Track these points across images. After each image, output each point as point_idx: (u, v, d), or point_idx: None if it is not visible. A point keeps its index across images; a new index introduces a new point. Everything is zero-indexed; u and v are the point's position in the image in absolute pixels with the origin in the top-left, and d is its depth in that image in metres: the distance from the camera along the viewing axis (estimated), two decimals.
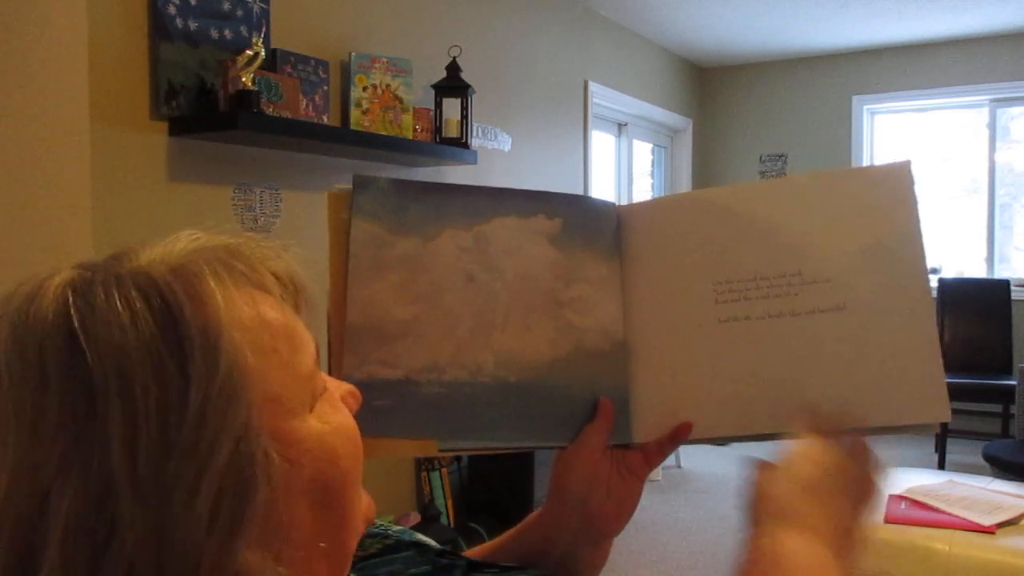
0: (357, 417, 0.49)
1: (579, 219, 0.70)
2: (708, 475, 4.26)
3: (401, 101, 2.88)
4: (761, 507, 0.58)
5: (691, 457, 4.50)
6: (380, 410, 0.64)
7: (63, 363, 0.39)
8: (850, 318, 0.67)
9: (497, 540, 0.76)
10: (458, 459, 3.23)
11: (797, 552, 0.54)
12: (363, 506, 0.50)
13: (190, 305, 0.40)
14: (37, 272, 0.43)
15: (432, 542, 0.65)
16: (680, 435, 0.69)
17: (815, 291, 0.67)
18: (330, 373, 0.62)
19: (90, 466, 0.37)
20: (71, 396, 0.38)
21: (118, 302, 0.40)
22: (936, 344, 0.66)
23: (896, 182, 0.68)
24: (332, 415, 0.47)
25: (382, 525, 0.66)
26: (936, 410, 0.65)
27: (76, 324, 0.39)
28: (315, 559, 0.45)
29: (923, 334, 0.66)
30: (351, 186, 0.66)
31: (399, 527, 0.67)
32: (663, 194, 5.66)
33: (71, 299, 0.40)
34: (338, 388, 0.51)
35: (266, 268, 0.47)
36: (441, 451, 0.66)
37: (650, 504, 3.72)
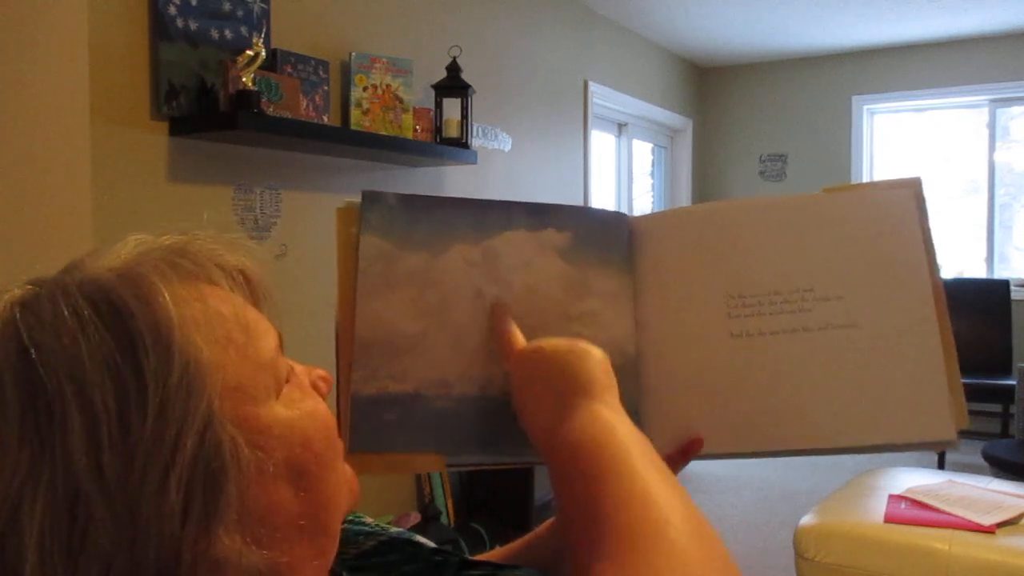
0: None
1: (589, 232, 0.69)
2: (708, 475, 4.26)
3: (401, 101, 2.87)
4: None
5: None
6: (389, 424, 0.63)
7: (17, 379, 0.39)
8: (861, 336, 0.66)
9: (509, 546, 0.76)
10: None
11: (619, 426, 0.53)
12: (346, 482, 0.50)
13: (139, 306, 0.41)
14: None
15: (427, 541, 0.65)
16: (691, 451, 0.69)
17: (828, 308, 0.67)
18: (338, 387, 0.62)
19: (56, 475, 0.38)
20: (30, 409, 0.39)
21: (65, 311, 0.40)
22: (941, 364, 0.65)
23: (906, 200, 0.68)
24: (301, 400, 0.47)
25: (379, 525, 0.66)
26: (940, 430, 0.65)
27: (26, 339, 0.40)
28: (297, 540, 0.45)
29: (928, 354, 0.66)
30: (359, 201, 0.65)
31: (397, 528, 0.66)
32: (663, 193, 5.65)
33: (18, 315, 0.41)
34: (307, 374, 0.51)
35: (213, 263, 0.47)
36: (448, 466, 0.65)
37: None
